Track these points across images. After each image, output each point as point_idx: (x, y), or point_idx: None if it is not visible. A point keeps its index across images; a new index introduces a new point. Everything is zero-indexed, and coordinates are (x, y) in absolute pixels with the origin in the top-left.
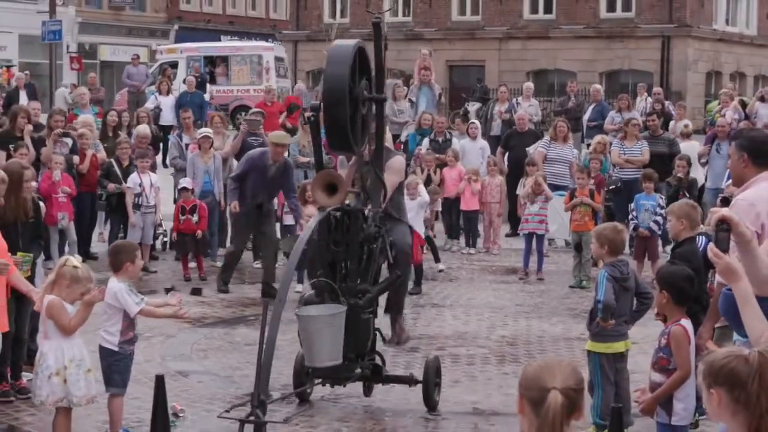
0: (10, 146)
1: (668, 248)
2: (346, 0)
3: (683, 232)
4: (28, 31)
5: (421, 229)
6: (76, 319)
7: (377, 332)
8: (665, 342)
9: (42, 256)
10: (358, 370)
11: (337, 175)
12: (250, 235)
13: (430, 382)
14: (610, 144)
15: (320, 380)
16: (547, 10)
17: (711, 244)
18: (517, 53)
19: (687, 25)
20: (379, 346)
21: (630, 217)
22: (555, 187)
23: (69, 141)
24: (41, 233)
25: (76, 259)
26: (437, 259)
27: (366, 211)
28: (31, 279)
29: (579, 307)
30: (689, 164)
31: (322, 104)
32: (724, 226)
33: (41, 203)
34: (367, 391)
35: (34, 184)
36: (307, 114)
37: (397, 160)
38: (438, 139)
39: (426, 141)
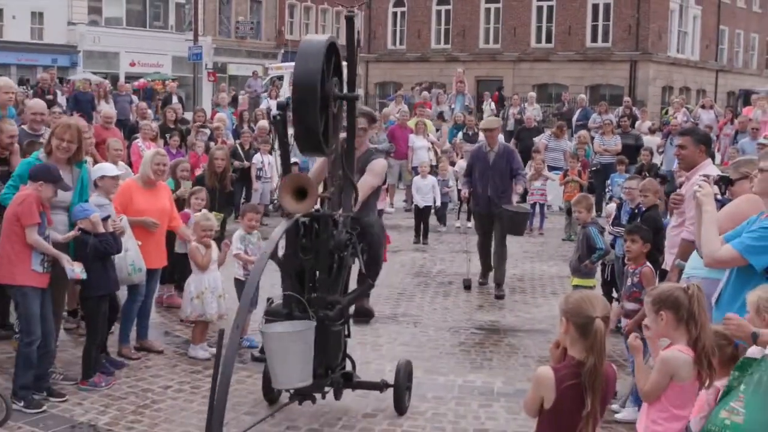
0: (166, 135)
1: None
2: (403, 31)
3: (654, 202)
4: (178, 53)
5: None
6: (205, 259)
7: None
8: (637, 279)
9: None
10: (329, 386)
11: (306, 179)
12: (491, 230)
13: (402, 386)
14: (592, 138)
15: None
16: (548, 40)
17: (700, 180)
18: (526, 71)
19: (648, 52)
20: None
21: (607, 190)
22: (553, 168)
23: (207, 131)
24: (234, 201)
25: (208, 213)
26: (469, 219)
27: (336, 216)
28: (222, 234)
29: (569, 254)
30: (651, 153)
31: (290, 102)
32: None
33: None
34: (337, 395)
35: (221, 162)
36: (273, 113)
37: (379, 163)
38: (468, 132)
39: (460, 134)
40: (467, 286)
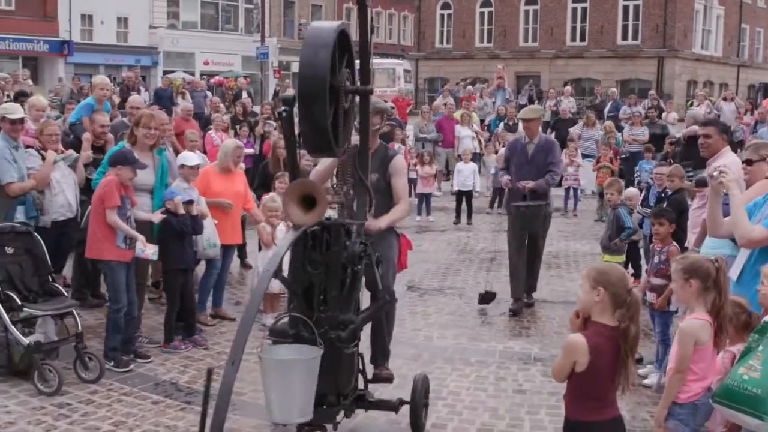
0: (236, 126)
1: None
2: (450, 32)
3: (679, 186)
4: (247, 53)
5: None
6: (268, 238)
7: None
8: (665, 257)
9: None
10: (341, 415)
11: (314, 186)
12: (524, 239)
13: (418, 403)
14: (620, 128)
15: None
16: (582, 39)
17: (722, 167)
18: (562, 67)
19: (675, 49)
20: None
21: (636, 175)
22: (586, 156)
23: (273, 123)
24: None
25: (275, 195)
26: (499, 205)
27: (349, 225)
28: None
29: (600, 233)
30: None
31: (296, 96)
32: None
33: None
34: (348, 414)
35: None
36: (279, 108)
37: (400, 160)
38: (509, 123)
39: (501, 124)
40: (485, 300)
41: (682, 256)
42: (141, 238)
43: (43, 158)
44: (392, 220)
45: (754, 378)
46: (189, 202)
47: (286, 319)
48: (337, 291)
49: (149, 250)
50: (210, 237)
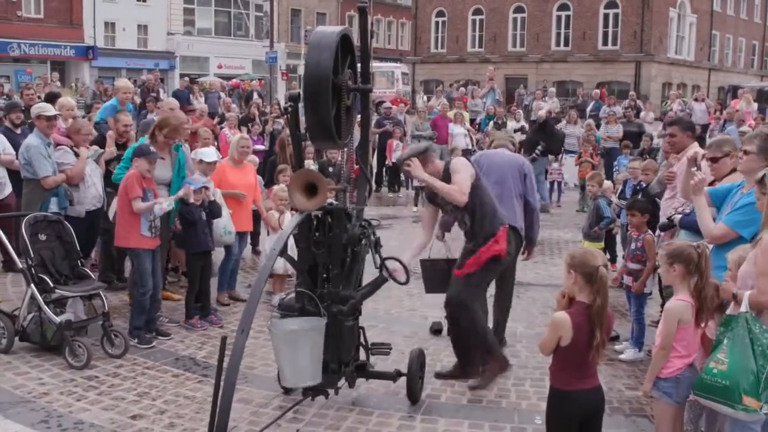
0: (248, 124)
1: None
2: (444, 37)
3: (653, 179)
4: (257, 57)
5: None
6: (275, 224)
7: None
8: (641, 245)
9: None
10: (342, 381)
11: (317, 175)
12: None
13: (414, 375)
14: (597, 126)
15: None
16: (566, 44)
17: (701, 176)
18: (547, 70)
19: (651, 54)
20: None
21: (614, 169)
22: (569, 152)
23: (281, 121)
24: None
25: (285, 186)
26: None
27: (349, 210)
28: None
29: (582, 223)
30: (651, 139)
31: (302, 94)
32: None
33: None
34: (351, 384)
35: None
36: (285, 105)
37: (455, 161)
38: (498, 122)
39: (491, 123)
40: (437, 330)
41: (668, 243)
42: (158, 200)
43: (77, 155)
44: (434, 183)
45: (722, 371)
46: (202, 188)
47: (293, 295)
48: (338, 269)
49: (165, 203)
50: (226, 225)
